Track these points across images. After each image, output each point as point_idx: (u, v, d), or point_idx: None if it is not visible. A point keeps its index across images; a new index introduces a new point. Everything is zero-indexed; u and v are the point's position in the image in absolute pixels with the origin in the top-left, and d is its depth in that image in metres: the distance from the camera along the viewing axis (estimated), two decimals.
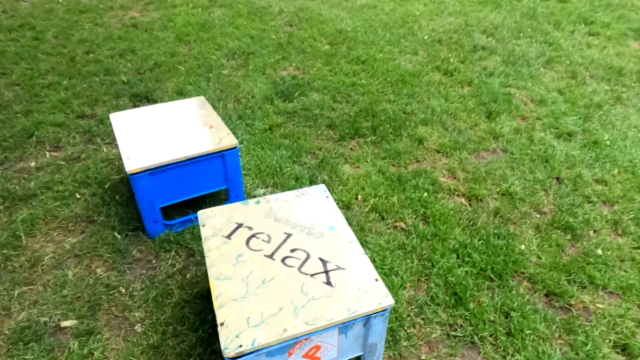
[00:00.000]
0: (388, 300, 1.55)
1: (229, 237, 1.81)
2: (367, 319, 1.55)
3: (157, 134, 2.53)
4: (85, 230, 2.55)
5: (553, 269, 2.33)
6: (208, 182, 2.54)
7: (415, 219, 2.67)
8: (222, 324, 1.47)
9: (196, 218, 2.57)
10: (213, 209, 1.95)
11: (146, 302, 2.13)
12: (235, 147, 2.50)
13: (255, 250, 1.74)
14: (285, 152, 3.24)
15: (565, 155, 3.29)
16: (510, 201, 2.85)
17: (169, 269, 2.31)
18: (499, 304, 2.12)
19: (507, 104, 3.94)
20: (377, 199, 2.81)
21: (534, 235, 2.58)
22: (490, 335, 1.99)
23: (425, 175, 3.05)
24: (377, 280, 1.63)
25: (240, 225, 1.86)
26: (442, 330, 2.03)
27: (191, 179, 2.47)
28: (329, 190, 2.88)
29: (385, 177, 3.03)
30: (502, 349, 1.94)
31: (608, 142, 3.42)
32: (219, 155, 2.47)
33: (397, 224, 2.63)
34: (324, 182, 2.97)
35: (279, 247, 1.76)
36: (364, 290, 1.58)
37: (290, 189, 2.85)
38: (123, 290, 2.20)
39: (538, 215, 2.74)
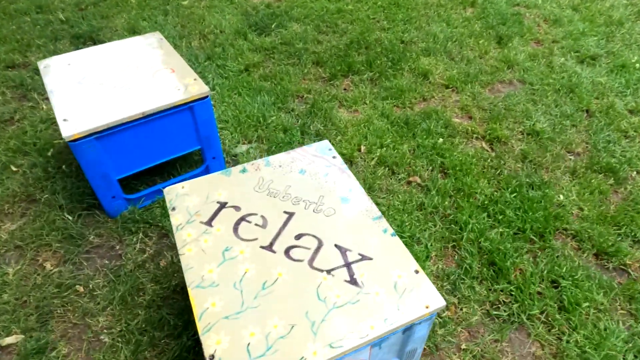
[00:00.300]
0: (437, 301, 1.14)
1: (209, 223, 1.33)
2: (409, 326, 1.15)
3: (103, 85, 1.95)
4: (25, 212, 2.02)
5: (599, 222, 1.97)
6: (176, 143, 2.01)
7: (432, 171, 2.24)
8: (212, 358, 1.04)
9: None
10: (184, 184, 1.46)
11: (112, 304, 1.69)
12: (206, 96, 1.95)
13: (247, 240, 1.28)
14: (267, 98, 2.70)
15: (591, 83, 2.85)
16: (537, 142, 2.43)
17: (137, 256, 1.85)
18: (545, 272, 1.76)
19: (518, 25, 3.41)
20: (384, 149, 2.35)
21: (571, 181, 2.19)
22: (541, 312, 1.65)
23: (436, 116, 2.58)
24: (417, 272, 1.21)
25: (223, 205, 1.39)
26: (482, 310, 1.67)
27: (153, 141, 1.94)
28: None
29: (391, 122, 2.54)
30: (556, 328, 1.61)
31: (637, 65, 2.98)
32: (187, 108, 1.93)
33: (411, 178, 2.20)
34: (317, 132, 2.47)
35: (279, 233, 1.30)
36: (403, 288, 1.17)
37: (278, 144, 2.35)
38: (81, 290, 1.74)
39: (572, 157, 2.35)
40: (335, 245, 1.27)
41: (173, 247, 1.89)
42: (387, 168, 2.25)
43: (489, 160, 2.30)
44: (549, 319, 1.64)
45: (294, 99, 2.73)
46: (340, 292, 1.16)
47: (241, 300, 1.14)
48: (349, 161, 2.31)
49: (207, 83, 2.78)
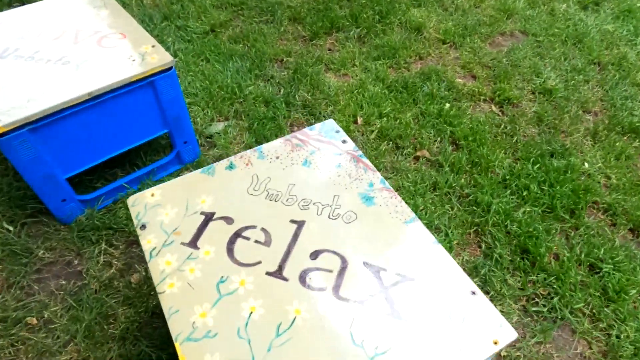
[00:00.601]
0: (506, 333, 0.89)
1: (194, 244, 1.01)
2: None
3: (34, 59, 1.52)
4: None
5: (630, 192, 1.77)
6: (136, 128, 1.63)
7: (441, 142, 1.95)
8: None
9: (130, 183, 1.71)
10: (154, 191, 1.11)
11: (76, 338, 1.36)
12: (170, 67, 1.56)
13: (248, 265, 0.97)
14: (241, 64, 2.30)
15: (599, 31, 2.59)
16: (551, 101, 2.18)
17: (102, 272, 1.51)
18: (582, 255, 1.55)
19: None
20: (384, 119, 2.03)
21: (593, 146, 1.97)
22: (585, 305, 1.45)
23: (436, 76, 2.27)
24: (474, 293, 0.94)
25: (210, 217, 1.06)
26: (519, 307, 1.45)
27: (107, 128, 1.55)
28: (314, 114, 2.06)
29: (387, 87, 2.22)
30: (603, 322, 1.41)
31: None
32: (147, 84, 1.54)
33: (419, 153, 1.91)
34: (304, 103, 2.12)
35: (288, 251, 1.00)
36: (460, 318, 0.90)
37: (260, 120, 1.99)
38: (34, 322, 1.40)
39: (589, 117, 2.11)
40: (365, 264, 0.98)
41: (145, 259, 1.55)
42: (390, 142, 1.95)
43: (502, 126, 2.03)
44: (593, 311, 1.44)
45: (273, 63, 2.35)
46: (381, 331, 0.88)
47: (250, 355, 0.85)
48: None
49: (166, 49, 2.34)
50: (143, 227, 1.04)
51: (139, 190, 1.72)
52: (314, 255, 0.99)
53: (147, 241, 1.01)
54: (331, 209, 1.07)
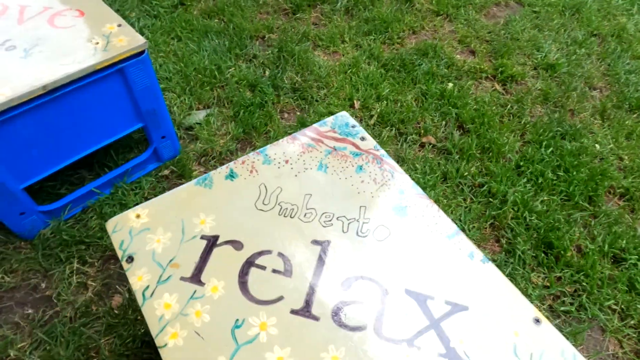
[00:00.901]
0: None
1: (197, 278, 0.82)
2: None
3: None
4: None
5: None
6: (104, 125, 1.38)
7: (447, 126, 1.80)
8: None
9: (101, 187, 1.47)
10: (139, 210, 0.90)
11: None
12: (142, 51, 1.31)
13: (267, 303, 0.79)
14: (218, 42, 2.04)
15: (595, 1, 2.48)
16: (554, 77, 2.05)
17: (76, 296, 1.29)
18: (605, 247, 1.46)
19: None
20: (384, 103, 1.85)
21: (602, 125, 1.87)
22: (615, 302, 1.36)
23: (433, 53, 2.09)
24: (538, 320, 0.80)
25: (213, 242, 0.86)
26: (546, 307, 1.35)
27: (68, 126, 1.29)
28: (306, 98, 1.85)
29: (383, 65, 2.02)
30: (634, 318, 1.33)
31: None
32: (115, 72, 1.29)
33: (424, 139, 1.75)
34: (294, 86, 1.90)
35: (314, 281, 0.82)
36: (527, 353, 0.76)
37: (247, 107, 1.77)
38: None
39: (595, 94, 2.01)
40: (407, 292, 0.82)
41: (125, 277, 1.34)
42: (392, 128, 1.78)
43: (508, 106, 1.89)
44: (622, 307, 1.36)
45: (254, 41, 2.10)
46: None
47: None
48: None
49: (136, 29, 2.05)
50: (130, 259, 0.84)
51: (113, 195, 1.49)
52: (346, 284, 0.82)
53: (138, 278, 0.81)
54: (359, 224, 0.90)
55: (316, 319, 0.78)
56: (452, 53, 2.13)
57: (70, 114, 1.27)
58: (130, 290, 1.30)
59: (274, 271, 0.83)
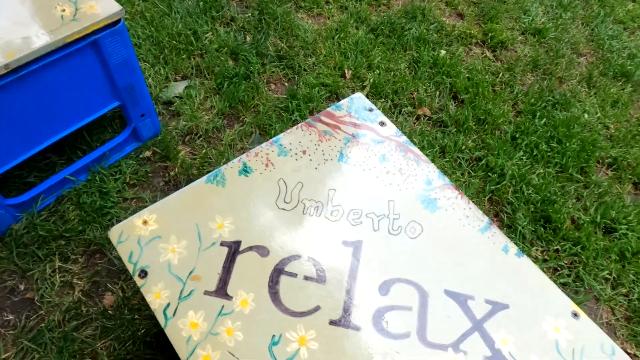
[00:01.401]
0: (621, 359, 0.76)
1: (222, 291, 0.74)
2: None
3: None
4: None
5: (631, 143, 1.73)
6: (76, 105, 1.21)
7: (441, 96, 1.74)
8: None
9: (75, 174, 1.33)
10: (145, 216, 0.79)
11: None
12: (118, 20, 1.14)
13: (303, 314, 0.73)
14: (190, 2, 1.84)
15: None
16: (543, 44, 2.02)
17: (62, 297, 1.17)
18: (598, 218, 1.50)
19: None
20: (376, 72, 1.76)
21: (589, 93, 1.88)
22: (609, 272, 1.41)
23: (422, 16, 2.00)
24: (576, 315, 0.79)
25: (235, 248, 0.78)
26: None
27: (36, 109, 1.12)
28: (293, 67, 1.73)
29: (372, 30, 1.91)
30: (625, 287, 1.39)
31: None
32: (88, 45, 1.11)
33: (419, 111, 1.69)
34: (279, 53, 1.76)
35: (350, 288, 0.77)
36: (569, 349, 0.75)
37: (231, 78, 1.63)
38: None
39: (581, 60, 2.00)
40: (446, 292, 0.78)
41: (118, 271, 1.23)
42: (385, 99, 1.70)
43: (500, 75, 1.85)
44: (613, 275, 1.41)
45: (230, 1, 1.91)
46: None
47: None
48: (334, 94, 1.70)
49: None
50: (143, 273, 0.74)
51: (90, 181, 1.34)
52: (384, 288, 0.77)
53: (155, 295, 0.72)
54: (389, 221, 0.84)
55: (357, 328, 0.73)
56: (440, 16, 2.04)
57: (36, 94, 1.09)
58: (123, 288, 1.20)
59: (306, 278, 0.77)
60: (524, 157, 1.60)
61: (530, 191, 1.51)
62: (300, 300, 0.74)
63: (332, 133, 0.94)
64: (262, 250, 0.78)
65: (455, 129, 1.64)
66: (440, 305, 0.77)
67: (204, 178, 0.85)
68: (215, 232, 0.79)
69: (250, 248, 0.78)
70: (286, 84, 1.71)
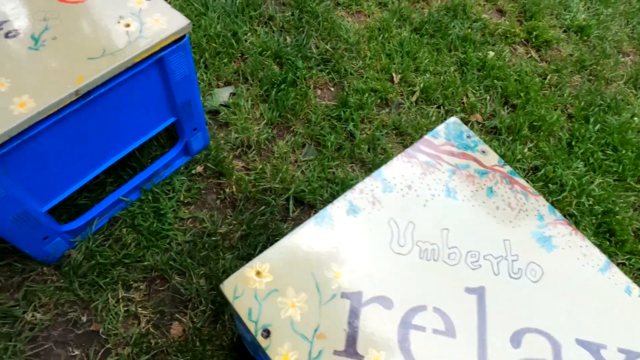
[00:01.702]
0: None
1: (352, 350, 0.69)
2: None
3: None
4: None
5: None
6: (137, 124, 1.13)
7: (491, 101, 1.69)
8: None
9: (127, 194, 1.25)
10: (257, 266, 0.73)
11: None
12: (184, 36, 1.05)
13: None
14: (227, 1, 1.73)
15: None
16: (586, 42, 1.97)
17: (127, 329, 1.12)
18: None
19: None
20: (425, 75, 1.69)
21: (636, 94, 1.84)
22: None
23: (463, 14, 1.92)
24: None
25: (357, 301, 0.73)
26: None
27: (98, 132, 1.04)
28: (339, 71, 1.65)
29: (415, 30, 1.83)
30: None
31: None
32: (153, 63, 1.02)
33: (471, 117, 1.64)
34: (324, 56, 1.67)
35: (481, 339, 0.73)
36: None
37: (278, 85, 1.55)
38: None
39: (626, 60, 1.96)
40: (578, 342, 0.75)
41: (183, 299, 1.17)
42: (436, 106, 1.64)
43: (548, 77, 1.80)
44: None
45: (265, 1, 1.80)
46: None
47: None
48: (384, 100, 1.63)
49: None
50: (266, 333, 0.69)
51: (142, 201, 1.27)
52: (515, 340, 0.73)
53: (283, 358, 0.67)
54: (509, 264, 0.80)
55: None
56: (481, 13, 1.97)
57: (99, 118, 1.01)
58: (191, 318, 1.14)
59: (435, 331, 0.72)
60: (580, 165, 1.57)
61: (590, 202, 1.49)
62: (433, 357, 0.70)
63: (434, 164, 0.89)
64: (386, 302, 0.73)
65: (510, 137, 1.60)
66: (573, 356, 0.74)
67: (312, 221, 0.79)
68: (333, 283, 0.74)
69: (373, 299, 0.73)
70: (332, 89, 1.63)
